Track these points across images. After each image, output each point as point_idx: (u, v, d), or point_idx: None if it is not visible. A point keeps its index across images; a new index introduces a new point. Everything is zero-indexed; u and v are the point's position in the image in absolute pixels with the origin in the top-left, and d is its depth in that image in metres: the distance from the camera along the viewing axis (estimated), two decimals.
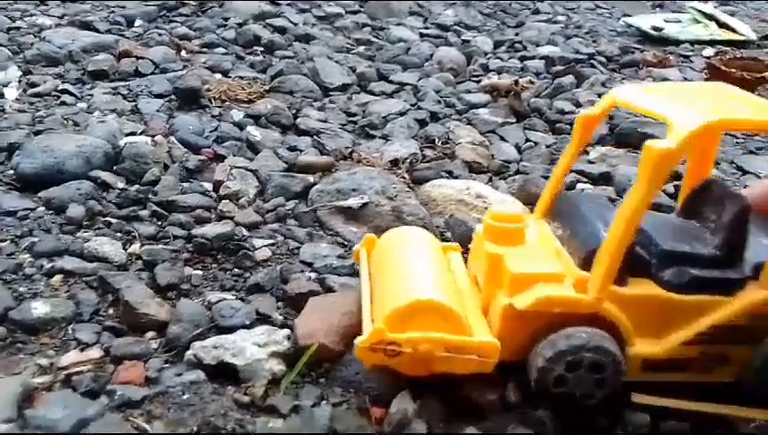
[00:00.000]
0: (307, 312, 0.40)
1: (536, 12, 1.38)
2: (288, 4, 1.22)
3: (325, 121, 0.73)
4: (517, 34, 1.19)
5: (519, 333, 0.34)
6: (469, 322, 0.34)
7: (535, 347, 0.33)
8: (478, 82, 0.90)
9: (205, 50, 0.94)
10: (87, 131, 0.61)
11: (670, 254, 0.34)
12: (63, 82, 0.74)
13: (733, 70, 0.93)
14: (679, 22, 1.29)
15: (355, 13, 1.25)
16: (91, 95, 0.72)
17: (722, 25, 1.27)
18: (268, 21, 1.09)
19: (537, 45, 1.12)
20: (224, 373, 0.35)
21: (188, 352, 0.37)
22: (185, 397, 0.34)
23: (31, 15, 0.99)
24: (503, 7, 1.40)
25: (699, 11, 1.32)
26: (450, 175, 0.62)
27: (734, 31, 1.26)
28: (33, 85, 0.73)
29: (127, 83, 0.78)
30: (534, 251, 0.36)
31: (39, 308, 0.39)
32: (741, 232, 0.34)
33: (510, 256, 0.35)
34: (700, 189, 0.38)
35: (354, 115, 0.78)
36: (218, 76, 0.83)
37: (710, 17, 1.30)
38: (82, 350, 0.37)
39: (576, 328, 0.33)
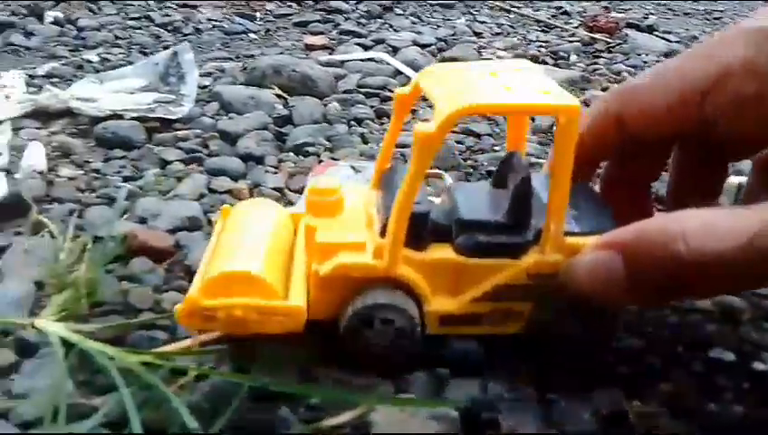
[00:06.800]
0: None
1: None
2: None
3: None
4: None
5: (328, 295, 0.37)
6: (287, 286, 0.38)
7: (344, 308, 0.37)
8: None
9: None
10: None
11: (464, 222, 0.38)
12: None
13: None
14: None
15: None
16: None
17: None
18: None
19: None
20: None
21: None
22: None
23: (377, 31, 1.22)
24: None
25: None
26: None
27: None
28: None
29: None
30: (346, 222, 0.40)
31: None
32: (523, 200, 0.37)
33: (321, 227, 0.39)
34: (505, 161, 0.41)
35: None
36: None
37: None
38: None
39: (375, 290, 0.37)
